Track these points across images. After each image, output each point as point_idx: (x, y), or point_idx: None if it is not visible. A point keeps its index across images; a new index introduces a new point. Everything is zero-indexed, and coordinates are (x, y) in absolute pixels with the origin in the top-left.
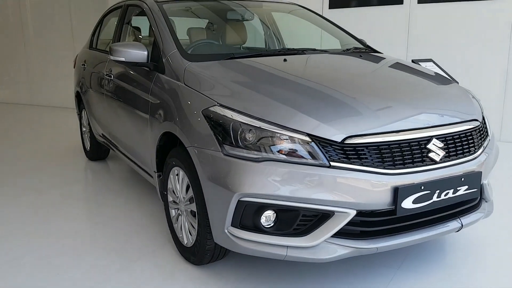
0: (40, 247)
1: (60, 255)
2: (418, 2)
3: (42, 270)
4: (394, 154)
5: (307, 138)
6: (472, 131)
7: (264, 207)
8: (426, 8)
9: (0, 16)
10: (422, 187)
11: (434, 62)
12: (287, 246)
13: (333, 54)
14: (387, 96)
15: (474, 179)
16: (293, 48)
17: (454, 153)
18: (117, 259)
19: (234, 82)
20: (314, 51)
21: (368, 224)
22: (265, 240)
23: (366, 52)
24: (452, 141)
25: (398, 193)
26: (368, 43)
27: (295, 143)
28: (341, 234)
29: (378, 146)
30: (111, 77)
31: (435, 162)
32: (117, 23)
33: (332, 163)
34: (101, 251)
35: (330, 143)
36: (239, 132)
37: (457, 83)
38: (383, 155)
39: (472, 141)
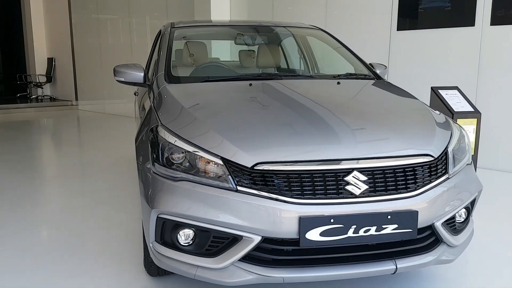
0: None
1: None
2: (491, 24)
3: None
4: (303, 183)
5: (220, 161)
6: (415, 166)
7: (179, 225)
8: (499, 30)
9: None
10: (332, 220)
11: (459, 90)
12: (198, 266)
13: (310, 79)
14: (320, 124)
15: (406, 218)
16: (274, 73)
17: (383, 188)
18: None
19: (187, 104)
20: (295, 76)
21: (280, 252)
22: (178, 257)
23: (359, 78)
24: (381, 175)
25: (300, 224)
26: (437, 66)
27: (208, 165)
28: (253, 259)
29: (287, 174)
30: (136, 95)
31: (354, 196)
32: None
33: (240, 188)
34: None
35: (241, 167)
36: (165, 151)
37: (479, 113)
38: (291, 184)
39: (411, 177)
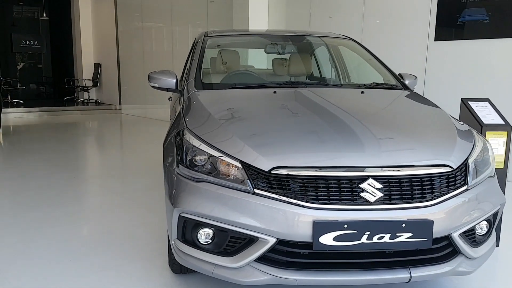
0: None
1: None
2: None
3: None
4: (318, 189)
5: (239, 165)
6: (432, 176)
7: (199, 224)
8: None
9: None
10: (346, 226)
11: (490, 103)
12: (215, 264)
13: (337, 88)
14: (338, 131)
15: (421, 227)
16: (299, 81)
17: (398, 197)
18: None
19: (213, 110)
20: (320, 84)
21: (294, 255)
22: (198, 255)
23: (386, 88)
24: (397, 184)
25: (314, 228)
26: (474, 78)
27: (228, 168)
28: (269, 261)
29: (302, 179)
30: (170, 100)
31: (369, 203)
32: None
33: (257, 191)
34: None
35: (258, 171)
36: (189, 154)
37: (510, 126)
38: (306, 189)
39: (428, 187)
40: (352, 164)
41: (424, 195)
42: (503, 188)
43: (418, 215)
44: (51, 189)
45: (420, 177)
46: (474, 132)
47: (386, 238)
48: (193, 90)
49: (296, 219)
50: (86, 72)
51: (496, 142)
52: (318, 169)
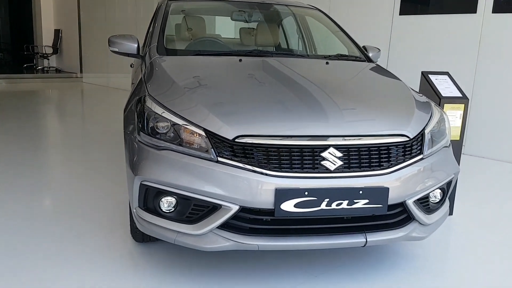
0: None
1: None
2: (493, 12)
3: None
4: (281, 157)
5: (203, 133)
6: (389, 146)
7: (161, 192)
8: (501, 18)
9: (89, 17)
10: (306, 193)
11: (449, 76)
12: (177, 232)
13: (302, 58)
14: (303, 100)
15: (377, 194)
16: (265, 50)
17: (357, 165)
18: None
19: (176, 76)
20: (286, 54)
21: (256, 222)
22: (160, 223)
23: (350, 59)
24: (356, 153)
25: (276, 195)
26: (437, 52)
27: (192, 136)
28: (231, 228)
29: (266, 148)
30: (132, 67)
31: (329, 171)
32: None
33: (220, 159)
34: None
35: (222, 139)
36: (150, 121)
37: (466, 99)
38: (269, 157)
39: (385, 156)
40: (314, 134)
41: (381, 164)
42: (458, 160)
43: (375, 183)
44: (11, 159)
45: (378, 146)
46: (432, 103)
47: (344, 204)
48: (156, 56)
49: (259, 187)
50: (46, 38)
51: (453, 115)
52: (281, 138)
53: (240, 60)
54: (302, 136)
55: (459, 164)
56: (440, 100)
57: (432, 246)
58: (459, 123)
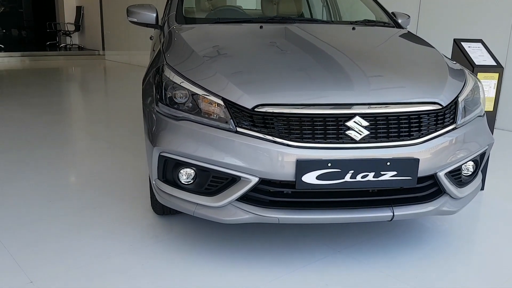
0: None
1: None
2: None
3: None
4: (303, 127)
5: (221, 102)
6: (420, 114)
7: (180, 164)
8: None
9: None
10: (329, 164)
11: (483, 44)
12: (197, 204)
13: (326, 24)
14: (326, 68)
15: (406, 165)
16: (287, 17)
17: (385, 135)
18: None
19: (195, 45)
20: (309, 20)
21: (277, 194)
22: (179, 195)
23: (378, 25)
24: (384, 122)
25: (297, 166)
26: (469, 19)
27: (210, 105)
28: (251, 200)
29: (287, 117)
30: (151, 39)
31: (354, 141)
32: None
33: (240, 129)
34: None
35: (242, 109)
36: (168, 90)
37: (501, 67)
38: (290, 127)
39: (415, 125)
40: (338, 102)
41: (412, 133)
42: (491, 131)
43: (404, 154)
44: (33, 133)
45: (408, 115)
46: (466, 71)
47: (370, 176)
48: (174, 24)
49: (280, 158)
50: (68, 15)
51: (487, 84)
52: (303, 107)
53: (261, 27)
54: (325, 105)
55: (492, 133)
56: (473, 68)
57: (461, 221)
58: (493, 93)
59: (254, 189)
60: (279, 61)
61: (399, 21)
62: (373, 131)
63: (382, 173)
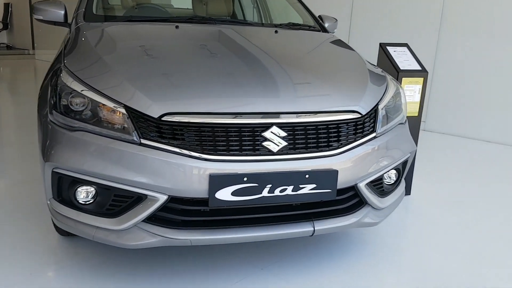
0: None
1: None
2: None
3: None
4: (216, 138)
5: (123, 110)
6: (339, 123)
7: (77, 181)
8: None
9: None
10: (245, 179)
11: (408, 48)
12: (96, 227)
13: (249, 27)
14: (242, 73)
15: (325, 178)
16: (207, 17)
17: (303, 146)
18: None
19: (99, 45)
20: (231, 22)
21: (190, 213)
22: (76, 217)
23: (303, 29)
24: (303, 132)
25: (210, 182)
26: (399, 24)
27: (111, 114)
28: (160, 221)
29: (199, 127)
30: None
31: (271, 153)
32: None
33: (144, 141)
34: None
35: (147, 118)
36: (63, 96)
37: (425, 72)
38: (202, 138)
39: (334, 135)
40: (254, 110)
41: (330, 144)
42: (416, 137)
43: (322, 165)
44: None
45: (326, 124)
46: (388, 77)
47: (289, 190)
48: (82, 22)
49: (190, 173)
50: None
51: (412, 89)
52: (216, 116)
53: (177, 27)
54: (240, 114)
55: (417, 142)
56: (398, 73)
57: (387, 229)
58: (418, 98)
59: (163, 208)
60: (191, 65)
61: (326, 24)
62: (292, 142)
63: (301, 186)
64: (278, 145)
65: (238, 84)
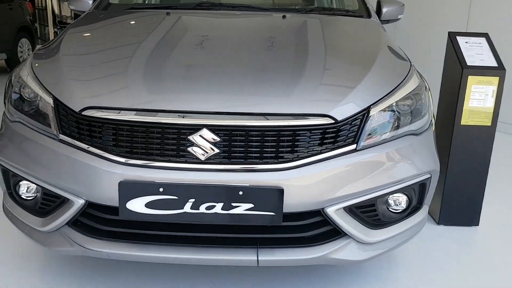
0: None
1: None
2: None
3: None
4: (134, 139)
5: (51, 101)
6: (296, 130)
7: (15, 175)
8: None
9: None
10: (162, 189)
11: (487, 39)
12: (28, 225)
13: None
14: (199, 68)
15: (265, 197)
16: (219, 3)
17: (242, 155)
18: None
19: (72, 36)
20: (243, 7)
21: (110, 222)
22: (13, 211)
23: (337, 14)
24: (243, 138)
25: (120, 189)
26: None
27: (43, 105)
28: (86, 228)
29: (117, 125)
30: None
31: (199, 161)
32: None
33: (63, 137)
34: None
35: (69, 112)
36: (14, 86)
37: (503, 69)
38: (119, 138)
39: (287, 144)
40: (182, 108)
41: (280, 155)
42: (489, 153)
43: (264, 181)
44: None
45: (277, 130)
46: (413, 70)
47: (218, 208)
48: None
49: (101, 177)
50: None
51: (483, 91)
52: (137, 113)
53: (168, 14)
54: (164, 111)
55: (489, 158)
56: (462, 70)
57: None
58: (491, 102)
59: (86, 214)
60: (152, 58)
61: (384, 9)
62: (227, 149)
63: (233, 204)
64: (207, 152)
65: (183, 78)
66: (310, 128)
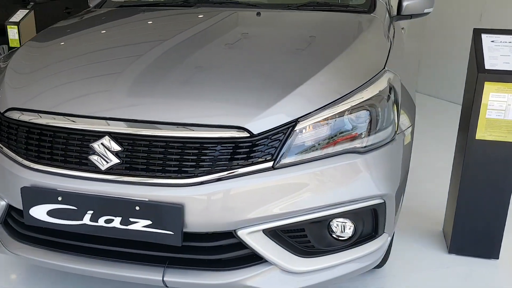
0: None
1: None
2: None
3: None
4: (41, 143)
5: None
6: (204, 143)
7: None
8: None
9: None
10: (60, 198)
11: None
12: None
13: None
14: (116, 75)
15: (163, 214)
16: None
17: (143, 166)
18: None
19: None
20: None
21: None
22: None
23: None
24: (146, 148)
25: (23, 194)
26: None
27: None
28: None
29: (29, 128)
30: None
31: (99, 171)
32: None
33: None
34: None
35: None
36: None
37: None
38: (29, 141)
39: (193, 157)
40: (87, 113)
41: (183, 169)
42: (510, 174)
43: (164, 196)
44: None
45: (182, 142)
46: (376, 76)
47: (116, 222)
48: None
49: (9, 180)
50: None
51: (503, 100)
52: (51, 116)
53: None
54: (71, 115)
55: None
56: (478, 74)
57: None
58: (511, 114)
59: (11, 216)
60: (73, 60)
61: (405, 3)
62: (129, 159)
63: (131, 220)
64: (107, 161)
65: (100, 83)
66: (219, 142)
